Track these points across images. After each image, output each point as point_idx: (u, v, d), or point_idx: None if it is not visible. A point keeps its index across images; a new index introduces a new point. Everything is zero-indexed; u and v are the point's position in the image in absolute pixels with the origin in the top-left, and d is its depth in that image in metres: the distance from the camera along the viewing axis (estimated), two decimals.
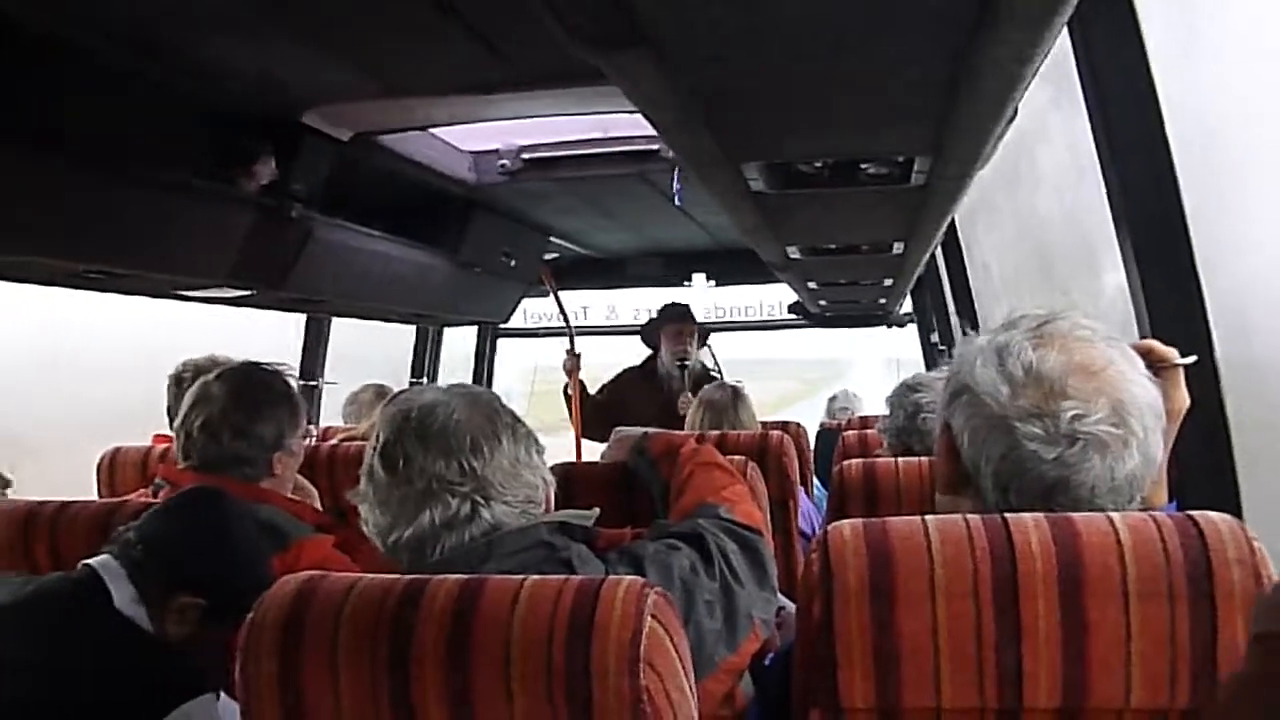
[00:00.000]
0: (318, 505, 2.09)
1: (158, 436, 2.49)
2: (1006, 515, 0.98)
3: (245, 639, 1.02)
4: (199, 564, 1.40)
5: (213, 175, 2.04)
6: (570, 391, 4.19)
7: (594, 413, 4.18)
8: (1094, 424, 0.98)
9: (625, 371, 4.37)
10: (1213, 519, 0.96)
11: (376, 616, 0.99)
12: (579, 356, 4.21)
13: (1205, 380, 1.45)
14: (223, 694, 1.29)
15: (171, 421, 2.15)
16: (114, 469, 2.49)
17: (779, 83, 1.13)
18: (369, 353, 4.66)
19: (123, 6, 1.52)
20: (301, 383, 3.75)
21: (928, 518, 1.00)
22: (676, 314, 4.22)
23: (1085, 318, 1.06)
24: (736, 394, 3.05)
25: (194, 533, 1.43)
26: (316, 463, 2.42)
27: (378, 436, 1.26)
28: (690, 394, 3.95)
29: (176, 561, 1.39)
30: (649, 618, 0.95)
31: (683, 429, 2.99)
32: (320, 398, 3.90)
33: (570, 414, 4.26)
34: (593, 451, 3.82)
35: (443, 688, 0.96)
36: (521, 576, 1.02)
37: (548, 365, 4.92)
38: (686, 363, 4.09)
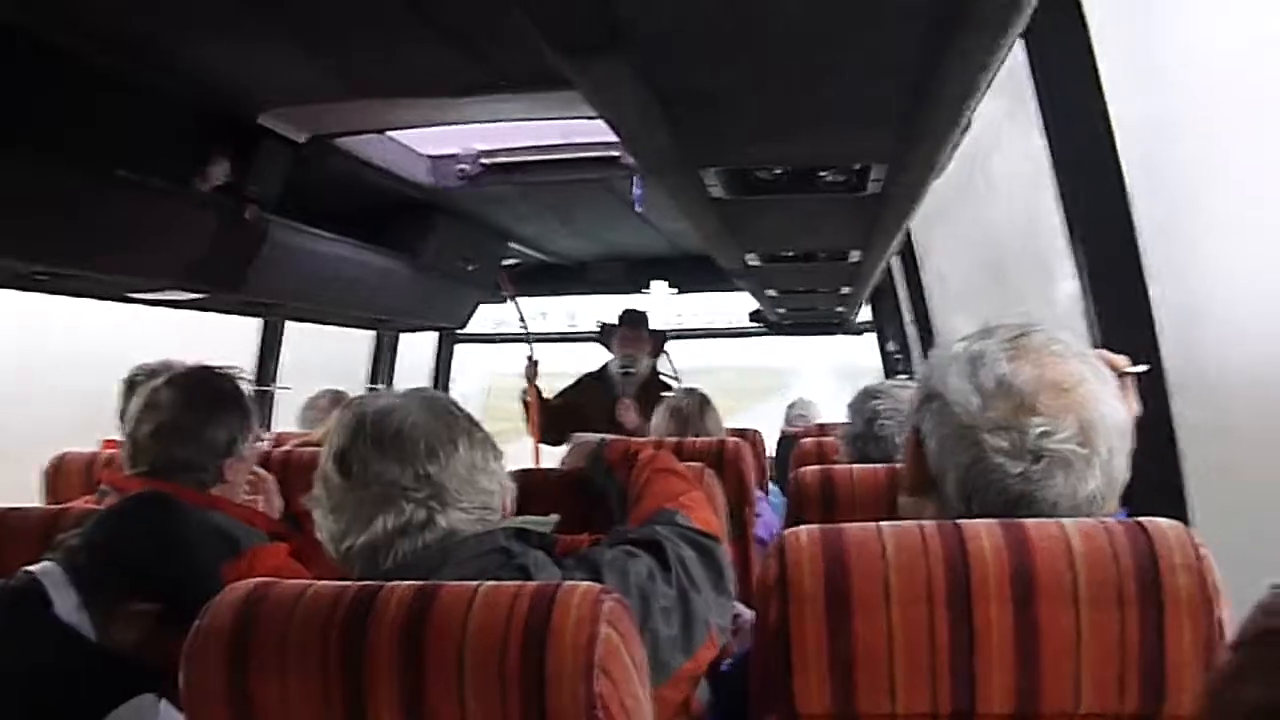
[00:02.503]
0: (276, 495, 2.05)
1: (106, 442, 2.44)
2: (960, 522, 0.99)
3: (191, 646, 1.00)
4: (153, 569, 1.37)
5: (168, 174, 2.00)
6: (528, 398, 4.19)
7: (550, 417, 4.19)
8: (1060, 442, 0.99)
9: (583, 377, 4.38)
10: (1160, 525, 0.98)
11: (328, 623, 0.97)
12: (537, 364, 4.21)
13: (1154, 388, 1.47)
14: (163, 701, 1.26)
15: (122, 427, 2.11)
16: (59, 475, 2.43)
17: (741, 88, 1.14)
18: (325, 359, 4.61)
19: (87, 3, 1.49)
20: (256, 388, 3.70)
21: (883, 524, 1.00)
22: (629, 319, 4.25)
23: (1059, 331, 1.07)
24: (704, 402, 3.05)
25: (147, 537, 1.40)
26: (270, 468, 2.38)
27: (332, 441, 1.24)
28: (632, 401, 4.00)
29: (129, 567, 1.36)
30: (604, 624, 0.95)
31: (624, 434, 2.99)
32: (274, 403, 3.85)
33: (526, 416, 4.26)
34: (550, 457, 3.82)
35: (396, 695, 0.95)
36: (476, 582, 1.01)
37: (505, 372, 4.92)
38: (630, 370, 4.13)
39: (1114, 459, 1.02)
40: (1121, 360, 1.21)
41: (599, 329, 4.40)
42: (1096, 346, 1.30)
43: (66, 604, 1.31)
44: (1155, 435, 1.49)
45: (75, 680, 1.26)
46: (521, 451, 4.10)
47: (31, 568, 1.34)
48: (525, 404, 4.23)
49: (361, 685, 0.96)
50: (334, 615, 0.98)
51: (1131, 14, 1.58)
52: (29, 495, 1.76)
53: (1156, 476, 1.51)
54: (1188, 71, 1.53)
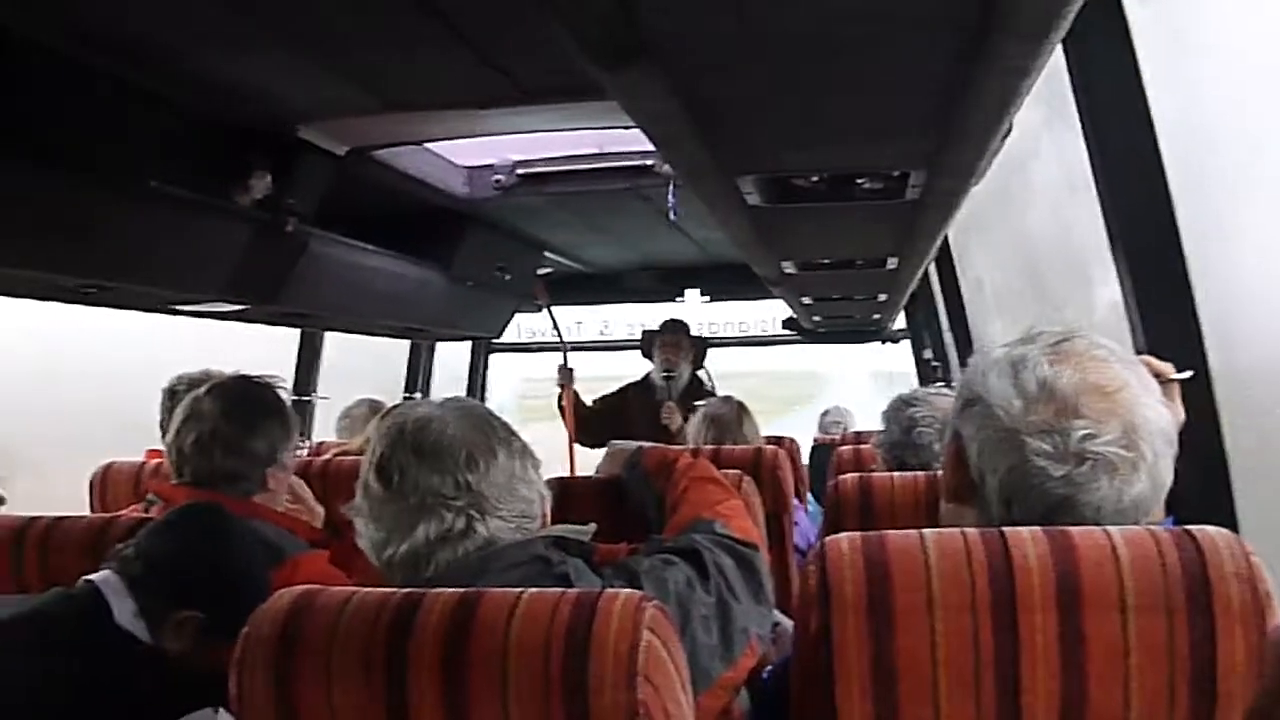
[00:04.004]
0: (316, 506, 2.08)
1: (150, 452, 2.48)
2: (1004, 529, 0.98)
3: (240, 653, 1.01)
4: (196, 578, 1.39)
5: (209, 189, 2.03)
6: (564, 404, 4.23)
7: (592, 419, 4.28)
8: (1104, 445, 0.98)
9: (627, 385, 4.46)
10: (1210, 533, 0.96)
11: (372, 630, 0.98)
12: (572, 370, 4.26)
13: (1200, 395, 1.45)
14: (222, 710, 1.28)
15: (164, 436, 2.14)
16: (106, 485, 2.47)
17: (777, 95, 1.14)
18: (361, 367, 4.66)
19: (122, 19, 1.52)
20: (295, 397, 3.74)
21: (925, 531, 0.99)
22: (668, 327, 4.35)
23: (1102, 338, 1.06)
24: (742, 409, 3.05)
25: (191, 547, 1.43)
26: (310, 477, 2.40)
27: (373, 451, 1.26)
28: (675, 405, 4.07)
29: (174, 576, 1.38)
30: (646, 631, 0.95)
31: (670, 440, 2.99)
32: (313, 412, 3.88)
33: (564, 419, 4.31)
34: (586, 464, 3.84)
35: (439, 701, 0.95)
36: (519, 590, 1.01)
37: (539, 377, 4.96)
38: (671, 374, 4.22)
39: (1159, 463, 1.00)
40: (1167, 367, 1.20)
41: (641, 337, 4.47)
42: (1140, 353, 1.28)
43: (125, 612, 1.33)
44: (1202, 442, 1.47)
45: (138, 687, 1.28)
46: (555, 434, 4.17)
47: (92, 576, 1.37)
48: (561, 409, 4.28)
49: (405, 692, 0.96)
50: (378, 622, 0.99)
51: (1172, 17, 1.56)
52: (52, 506, 1.80)
53: (1203, 484, 1.49)
54: (1227, 74, 1.51)
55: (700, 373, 4.46)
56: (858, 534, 1.00)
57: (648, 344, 4.39)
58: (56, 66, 1.61)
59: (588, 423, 4.25)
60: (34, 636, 1.29)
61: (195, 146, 2.03)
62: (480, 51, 1.68)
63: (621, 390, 4.46)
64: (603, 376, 4.61)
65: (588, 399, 4.40)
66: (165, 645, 1.35)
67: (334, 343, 3.92)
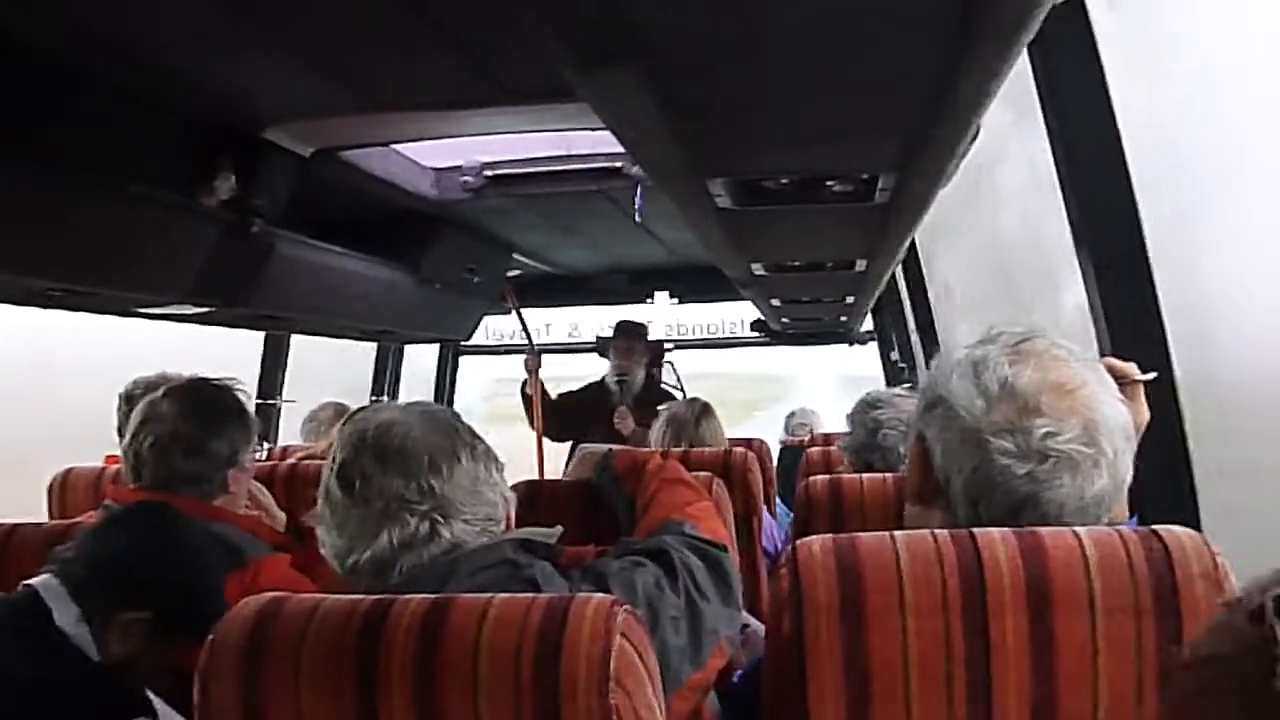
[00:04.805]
0: (276, 511, 2.05)
1: (109, 457, 2.43)
2: (974, 530, 0.99)
3: (205, 662, 1.00)
4: (144, 576, 1.36)
5: (174, 190, 2.00)
6: (529, 390, 4.24)
7: (556, 412, 4.35)
8: (1065, 442, 0.99)
9: (590, 384, 4.51)
10: (1176, 533, 0.97)
11: (342, 637, 0.97)
12: (540, 354, 4.30)
13: (1164, 395, 1.47)
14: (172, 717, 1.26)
15: (121, 441, 2.10)
16: (65, 490, 2.43)
17: (750, 97, 1.14)
18: (331, 371, 4.62)
19: (90, 11, 1.49)
20: (260, 400, 3.70)
21: (896, 533, 1.00)
22: (623, 330, 4.40)
23: (1061, 338, 1.07)
24: (704, 410, 3.05)
25: (137, 546, 1.39)
26: (274, 482, 2.38)
27: (334, 456, 1.24)
28: (625, 407, 4.13)
29: (120, 576, 1.35)
30: (619, 636, 0.94)
31: (620, 442, 3.00)
32: (279, 416, 3.84)
33: (527, 414, 4.37)
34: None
35: (410, 708, 0.94)
36: (489, 595, 1.00)
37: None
38: (625, 378, 4.28)
39: (1119, 459, 1.02)
40: (1131, 368, 1.21)
41: (597, 340, 4.53)
42: (1105, 355, 1.29)
43: (67, 617, 1.30)
44: (1166, 443, 1.48)
45: (74, 697, 1.25)
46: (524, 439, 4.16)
47: (31, 581, 1.34)
48: (525, 396, 4.32)
49: (376, 699, 0.95)
50: (348, 629, 0.97)
51: (1139, 18, 1.58)
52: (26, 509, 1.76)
53: (1168, 484, 1.50)
54: (1195, 74, 1.53)
55: (666, 374, 4.48)
56: (829, 536, 1.01)
57: (603, 348, 4.44)
58: (19, 62, 1.57)
59: (551, 415, 4.30)
60: None
61: (160, 146, 2.00)
62: (449, 53, 1.66)
63: (583, 389, 4.50)
64: (571, 377, 4.63)
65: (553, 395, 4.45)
66: (112, 648, 1.32)
67: (302, 345, 3.88)
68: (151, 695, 1.29)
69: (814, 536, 1.01)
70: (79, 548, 1.38)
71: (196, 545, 1.46)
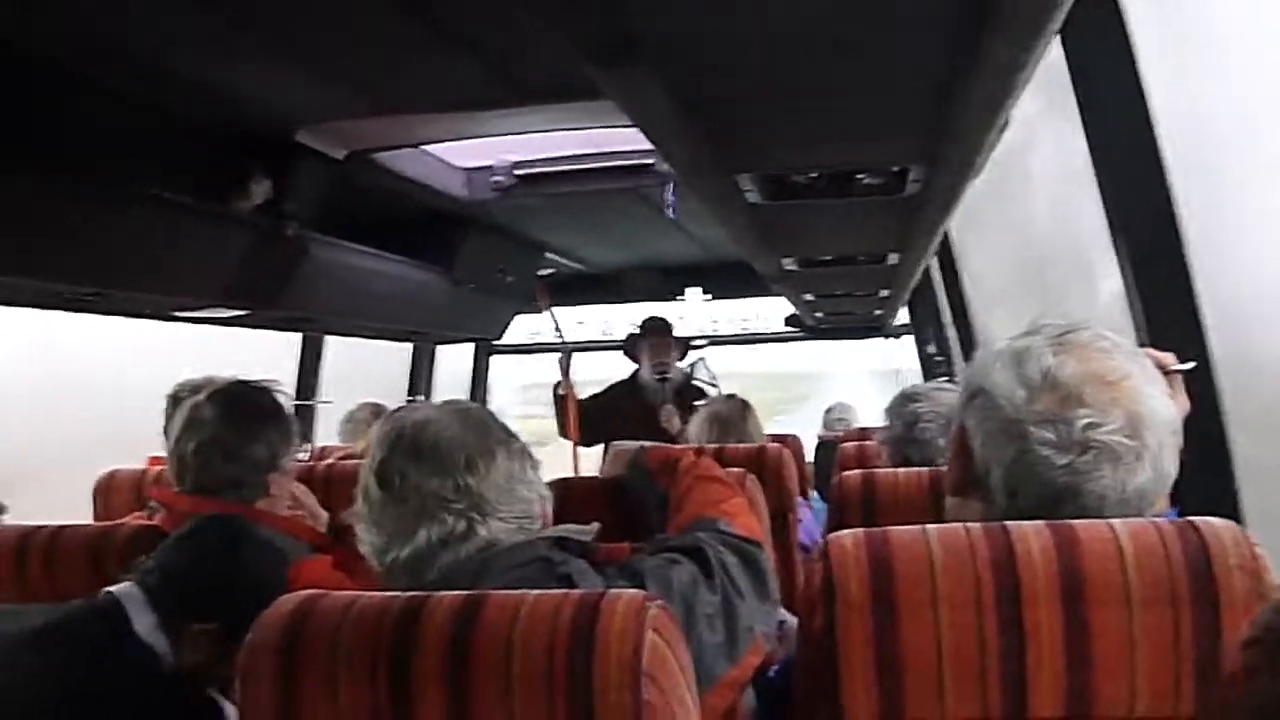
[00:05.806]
0: (319, 511, 2.07)
1: (152, 459, 2.47)
2: (1007, 523, 0.98)
3: (243, 662, 1.01)
4: (210, 589, 1.39)
5: (209, 195, 2.03)
6: (562, 391, 4.22)
7: (584, 417, 4.28)
8: (1107, 433, 0.98)
9: (614, 385, 4.43)
10: (1214, 525, 0.96)
11: (376, 634, 0.98)
12: (571, 353, 4.27)
13: (1203, 385, 1.45)
14: None
15: (167, 442, 2.13)
16: (109, 492, 2.47)
17: (775, 92, 1.14)
18: (367, 371, 4.66)
19: (118, 29, 1.52)
20: (297, 402, 3.74)
21: (929, 527, 0.99)
22: (654, 327, 4.32)
23: (1106, 331, 1.06)
24: (745, 407, 3.04)
25: (206, 558, 1.42)
26: (313, 482, 2.41)
27: (372, 456, 1.25)
28: (672, 405, 4.05)
29: (189, 588, 1.38)
30: (650, 631, 0.95)
31: (665, 440, 2.99)
32: (316, 417, 3.88)
33: (558, 415, 4.32)
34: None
35: (444, 704, 0.95)
36: (522, 592, 1.01)
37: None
38: (667, 375, 4.20)
39: (1163, 453, 1.01)
40: (1169, 358, 1.20)
41: (625, 339, 4.44)
42: (1142, 345, 1.28)
43: (145, 625, 1.33)
44: (1205, 434, 1.46)
45: (153, 701, 1.28)
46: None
47: (113, 588, 1.37)
48: (558, 398, 4.28)
49: (410, 695, 0.96)
50: (382, 626, 0.99)
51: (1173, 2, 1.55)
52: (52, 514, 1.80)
53: (1207, 476, 1.48)
54: (1228, 60, 1.51)
55: (699, 371, 4.45)
56: (861, 530, 1.00)
57: (633, 345, 4.36)
58: (57, 77, 1.61)
59: (584, 419, 4.24)
60: (57, 646, 1.29)
61: (195, 154, 2.04)
62: (477, 53, 1.68)
63: (610, 388, 4.42)
64: (605, 379, 4.57)
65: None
66: (184, 656, 1.35)
67: (339, 348, 3.92)
68: (223, 701, 1.32)
69: (846, 531, 1.01)
70: (156, 558, 1.41)
71: (261, 555, 1.49)
